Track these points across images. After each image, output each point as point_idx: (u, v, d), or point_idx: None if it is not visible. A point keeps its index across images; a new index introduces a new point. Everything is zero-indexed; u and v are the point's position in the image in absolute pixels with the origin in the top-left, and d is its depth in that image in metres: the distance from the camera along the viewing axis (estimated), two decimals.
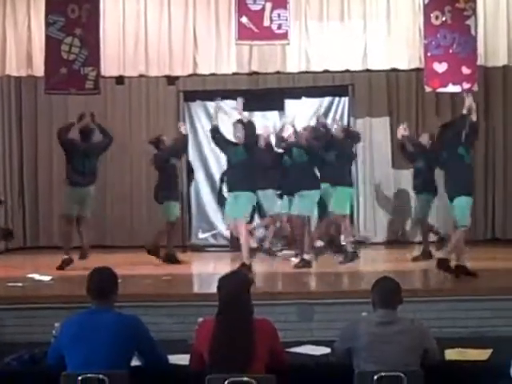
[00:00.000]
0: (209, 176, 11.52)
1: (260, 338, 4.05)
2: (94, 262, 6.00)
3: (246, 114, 8.39)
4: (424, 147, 9.13)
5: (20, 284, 7.23)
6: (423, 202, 9.17)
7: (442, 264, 7.15)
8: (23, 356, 4.95)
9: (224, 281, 4.28)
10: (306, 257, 8.42)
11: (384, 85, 11.39)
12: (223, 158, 10.86)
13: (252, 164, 8.05)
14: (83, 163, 8.51)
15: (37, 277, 7.65)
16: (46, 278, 7.56)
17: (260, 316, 4.25)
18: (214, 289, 4.32)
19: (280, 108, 11.27)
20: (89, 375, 4.01)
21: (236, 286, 4.21)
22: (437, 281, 7.45)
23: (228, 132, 8.37)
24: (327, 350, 4.85)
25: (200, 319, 4.47)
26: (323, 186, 8.84)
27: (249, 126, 8.04)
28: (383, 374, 4.11)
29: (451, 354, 5.04)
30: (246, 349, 4.00)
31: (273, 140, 9.98)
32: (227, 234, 10.89)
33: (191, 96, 11.33)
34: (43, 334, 5.36)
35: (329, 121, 10.60)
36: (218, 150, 9.53)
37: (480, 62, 8.39)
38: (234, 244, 9.48)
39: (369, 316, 4.51)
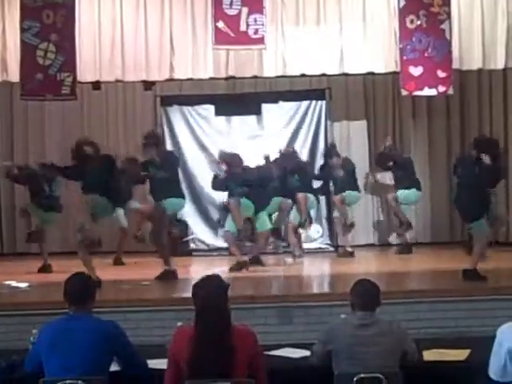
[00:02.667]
0: (188, 179, 11.19)
1: (240, 345, 3.96)
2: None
3: None
4: None
5: None
6: None
7: (468, 275, 6.96)
8: (1, 363, 4.88)
9: (199, 286, 4.14)
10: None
11: (361, 88, 11.46)
12: (204, 160, 10.95)
13: None
14: None
15: (13, 283, 7.60)
16: (23, 285, 7.50)
17: (239, 320, 4.24)
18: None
19: (257, 112, 11.27)
20: (67, 381, 3.99)
21: (212, 290, 4.09)
22: (414, 282, 7.49)
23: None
24: (306, 353, 4.85)
25: (179, 323, 4.45)
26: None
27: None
28: (363, 375, 4.13)
29: (430, 355, 5.07)
30: (226, 354, 3.91)
31: None
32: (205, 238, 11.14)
33: (168, 101, 11.28)
34: (21, 340, 5.30)
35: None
36: (197, 153, 9.57)
37: (455, 65, 8.45)
38: None
39: (348, 318, 4.52)
